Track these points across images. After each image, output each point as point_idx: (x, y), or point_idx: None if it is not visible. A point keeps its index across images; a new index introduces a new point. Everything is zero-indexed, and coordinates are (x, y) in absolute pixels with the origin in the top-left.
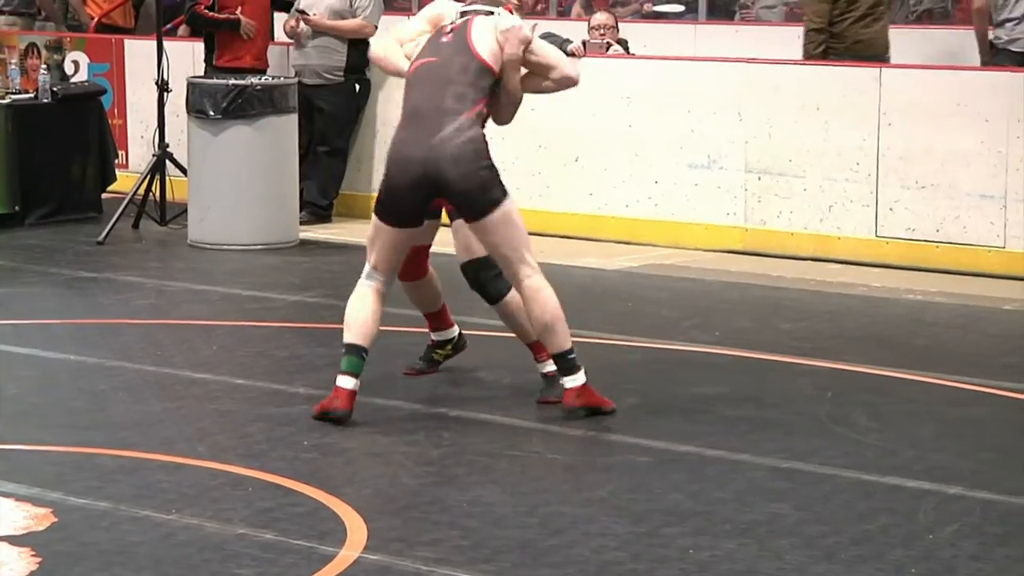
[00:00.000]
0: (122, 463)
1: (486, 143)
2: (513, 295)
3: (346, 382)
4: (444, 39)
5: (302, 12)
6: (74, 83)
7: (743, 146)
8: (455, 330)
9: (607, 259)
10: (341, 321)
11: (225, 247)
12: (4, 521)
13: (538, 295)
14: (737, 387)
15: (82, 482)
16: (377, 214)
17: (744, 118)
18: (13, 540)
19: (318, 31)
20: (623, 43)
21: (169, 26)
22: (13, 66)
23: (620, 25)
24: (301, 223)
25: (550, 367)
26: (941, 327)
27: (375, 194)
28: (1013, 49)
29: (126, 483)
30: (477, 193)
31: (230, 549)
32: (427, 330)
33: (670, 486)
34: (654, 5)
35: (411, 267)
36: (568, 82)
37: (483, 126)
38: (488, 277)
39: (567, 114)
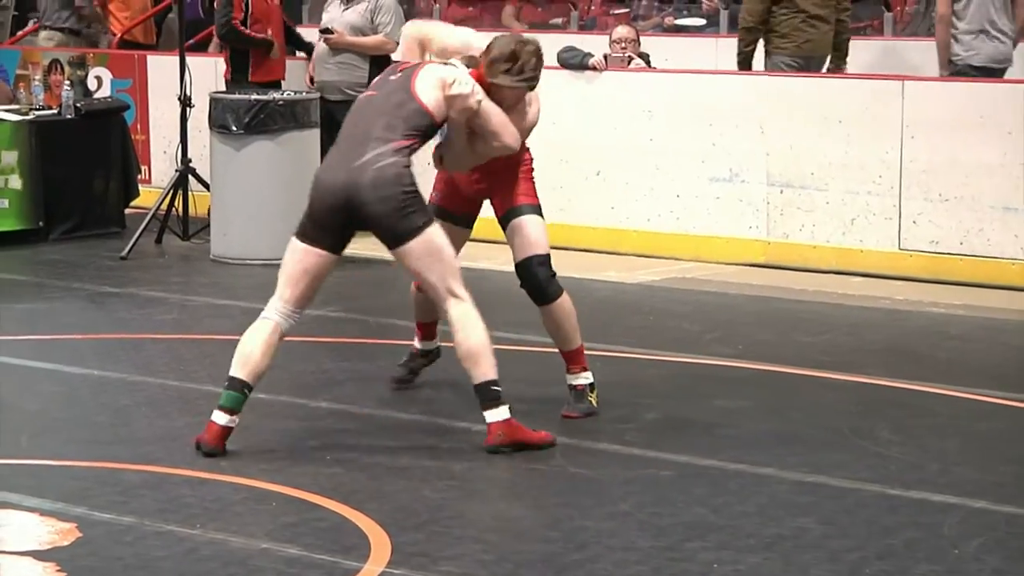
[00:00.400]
0: (146, 478)
1: (409, 171)
2: (564, 301)
3: (219, 417)
4: (392, 77)
5: (325, 31)
6: (97, 99)
7: (765, 159)
8: (436, 341)
9: (629, 272)
10: (363, 335)
11: (247, 262)
12: (29, 536)
13: (464, 322)
14: (760, 401)
15: (106, 497)
16: (296, 235)
17: (766, 131)
18: (38, 555)
19: (339, 48)
20: (644, 57)
21: (191, 42)
22: (36, 82)
23: (641, 39)
24: None
25: (580, 380)
26: (965, 340)
27: None
28: (974, 63)
29: (150, 498)
30: (395, 218)
31: (254, 564)
32: (415, 340)
33: (693, 500)
34: (675, 19)
35: None
36: (506, 151)
37: (410, 159)
38: (545, 276)
39: (589, 128)
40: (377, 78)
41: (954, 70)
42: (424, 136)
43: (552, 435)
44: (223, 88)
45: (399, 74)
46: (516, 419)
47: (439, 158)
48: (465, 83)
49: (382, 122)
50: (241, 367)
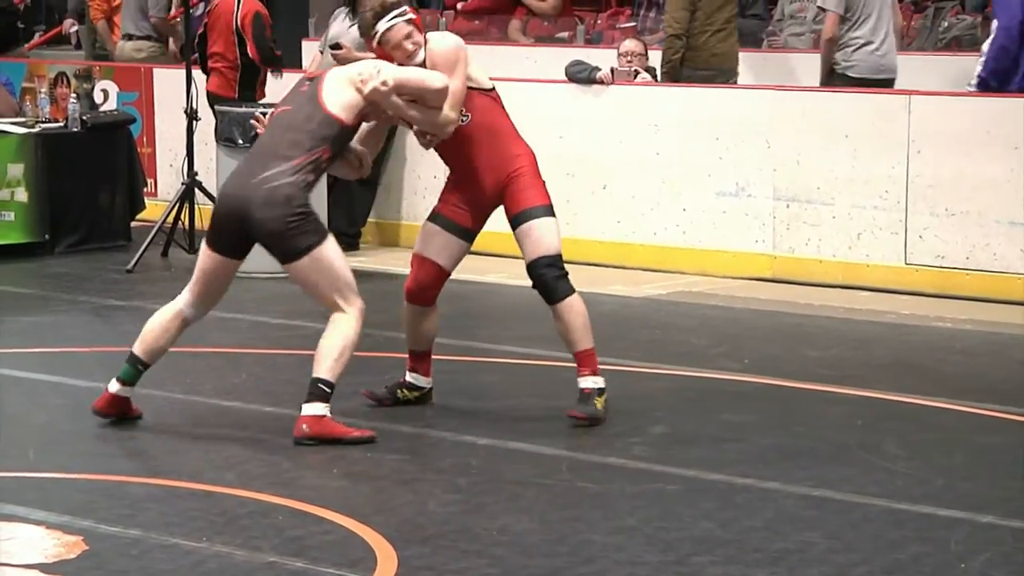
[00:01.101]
0: (152, 491)
1: (304, 192)
2: (572, 301)
3: (112, 386)
4: (302, 89)
5: (334, 46)
6: (103, 112)
7: (771, 173)
8: (429, 382)
9: (635, 287)
10: (368, 350)
11: (254, 275)
12: (35, 549)
13: (335, 326)
14: (766, 415)
15: (112, 510)
16: (204, 239)
17: (772, 145)
18: (44, 568)
19: (347, 63)
20: (651, 71)
21: (196, 56)
22: (43, 95)
23: (649, 52)
24: None
25: (588, 384)
26: (971, 354)
27: (404, 222)
28: (850, 74)
29: (156, 511)
30: (282, 238)
31: None
32: (408, 367)
33: (700, 514)
34: None
35: (425, 292)
36: (442, 94)
37: (316, 173)
38: (552, 276)
39: (595, 142)
40: (289, 91)
41: (831, 80)
42: (335, 143)
43: (371, 431)
44: (207, 103)
45: (308, 85)
46: (335, 418)
47: (424, 136)
48: (371, 72)
49: (288, 138)
50: (139, 344)
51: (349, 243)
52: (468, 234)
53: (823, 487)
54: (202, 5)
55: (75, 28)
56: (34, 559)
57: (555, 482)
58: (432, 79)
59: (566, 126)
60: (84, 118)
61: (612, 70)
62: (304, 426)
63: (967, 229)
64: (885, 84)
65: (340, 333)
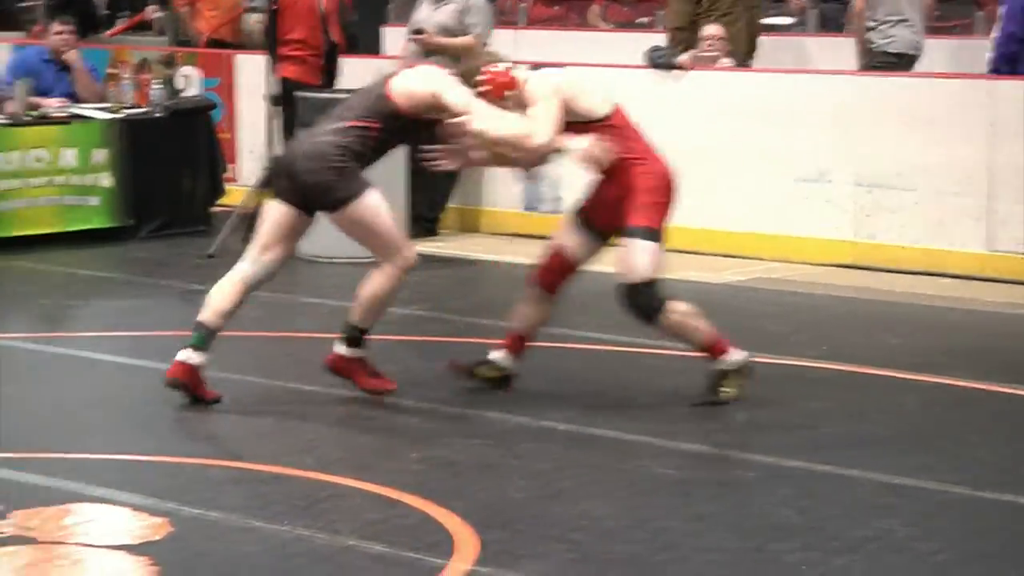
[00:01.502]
0: (233, 474)
1: (343, 150)
2: (665, 320)
3: (181, 354)
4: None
5: (417, 32)
6: (185, 98)
7: (852, 160)
8: (514, 368)
9: (714, 273)
10: (447, 335)
11: (334, 260)
12: (121, 530)
13: (382, 276)
14: (846, 402)
15: (195, 493)
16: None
17: (853, 131)
18: (131, 549)
19: (430, 49)
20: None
21: None
22: (126, 81)
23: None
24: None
25: (714, 365)
26: None
27: (484, 208)
28: (890, 50)
29: (238, 494)
30: (320, 191)
31: (340, 560)
32: (501, 343)
33: (778, 501)
34: (764, 17)
35: (548, 277)
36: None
37: (361, 141)
38: (639, 304)
39: (676, 127)
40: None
41: (871, 59)
42: (386, 121)
43: (392, 385)
44: (281, 88)
45: (398, 67)
46: (363, 365)
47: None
48: (443, 81)
49: (348, 103)
50: (204, 309)
51: (428, 228)
52: (599, 234)
53: (902, 475)
54: None
55: (158, 14)
56: (121, 540)
57: (634, 468)
58: (479, 108)
59: (646, 111)
60: (167, 104)
61: (693, 55)
62: (332, 360)
63: None
64: (915, 61)
65: (382, 285)
